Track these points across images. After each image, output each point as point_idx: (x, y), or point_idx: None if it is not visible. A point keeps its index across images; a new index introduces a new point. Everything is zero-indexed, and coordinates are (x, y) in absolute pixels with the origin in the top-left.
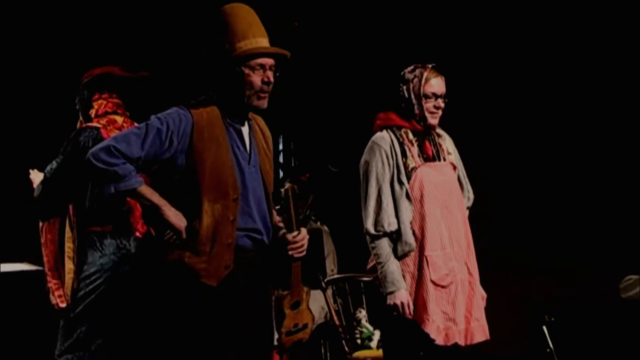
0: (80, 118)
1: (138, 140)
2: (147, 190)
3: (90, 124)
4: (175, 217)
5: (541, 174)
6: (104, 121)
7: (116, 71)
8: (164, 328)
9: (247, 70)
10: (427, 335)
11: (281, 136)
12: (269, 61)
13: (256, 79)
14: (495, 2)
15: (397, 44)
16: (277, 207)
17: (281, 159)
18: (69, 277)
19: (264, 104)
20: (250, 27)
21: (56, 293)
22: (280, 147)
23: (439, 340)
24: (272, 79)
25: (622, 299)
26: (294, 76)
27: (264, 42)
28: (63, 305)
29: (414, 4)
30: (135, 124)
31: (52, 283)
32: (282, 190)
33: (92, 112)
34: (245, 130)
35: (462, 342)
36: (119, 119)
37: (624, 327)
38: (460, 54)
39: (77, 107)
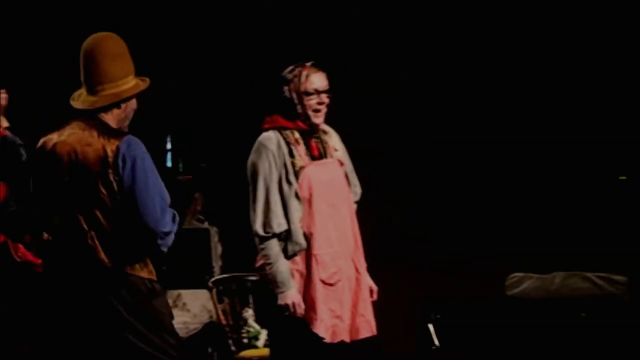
0: None
1: None
2: None
3: None
4: None
5: (434, 173)
6: None
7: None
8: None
9: None
10: (316, 334)
11: (169, 136)
12: None
13: None
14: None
15: (283, 45)
16: None
17: (169, 161)
18: None
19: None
20: None
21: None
22: (169, 146)
23: (327, 338)
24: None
25: (507, 296)
26: (181, 76)
27: None
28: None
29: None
30: None
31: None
32: None
33: None
34: None
35: (347, 339)
36: None
37: (509, 324)
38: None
39: None
